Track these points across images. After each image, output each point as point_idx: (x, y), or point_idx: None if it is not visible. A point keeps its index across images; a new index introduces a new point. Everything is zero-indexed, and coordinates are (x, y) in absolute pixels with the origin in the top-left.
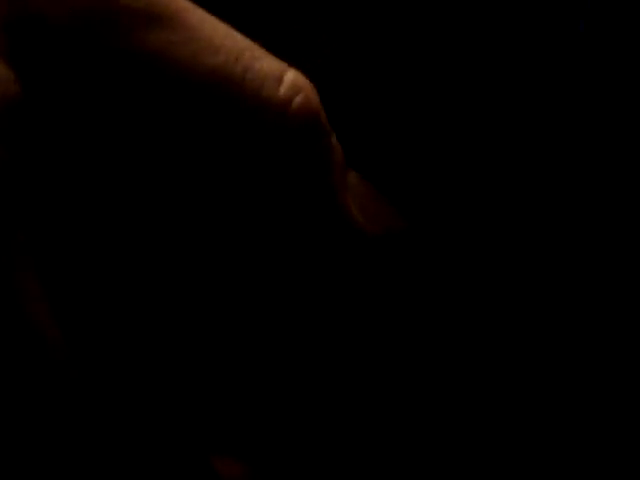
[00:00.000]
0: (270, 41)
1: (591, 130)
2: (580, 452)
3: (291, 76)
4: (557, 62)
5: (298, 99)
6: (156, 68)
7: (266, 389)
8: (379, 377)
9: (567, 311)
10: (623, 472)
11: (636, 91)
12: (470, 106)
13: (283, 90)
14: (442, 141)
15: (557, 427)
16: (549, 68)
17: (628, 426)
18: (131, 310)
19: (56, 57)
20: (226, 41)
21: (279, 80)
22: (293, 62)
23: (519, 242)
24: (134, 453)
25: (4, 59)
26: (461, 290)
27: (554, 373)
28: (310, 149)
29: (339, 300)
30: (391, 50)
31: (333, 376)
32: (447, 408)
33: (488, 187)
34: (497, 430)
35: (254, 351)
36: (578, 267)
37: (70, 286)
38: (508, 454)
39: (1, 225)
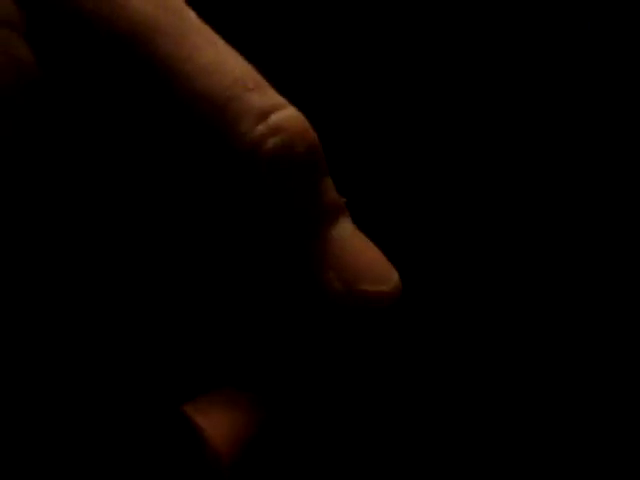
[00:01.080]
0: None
1: (594, 130)
2: (580, 452)
3: (277, 116)
4: (563, 62)
5: (274, 140)
6: (152, 75)
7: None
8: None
9: (567, 311)
10: (623, 472)
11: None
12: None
13: (261, 128)
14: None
15: (557, 427)
16: (555, 68)
17: (628, 426)
18: (126, 307)
19: (69, 40)
20: (223, 65)
21: (261, 117)
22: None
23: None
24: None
25: (24, 39)
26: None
27: (554, 373)
28: (283, 194)
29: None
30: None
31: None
32: (447, 408)
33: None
34: (497, 430)
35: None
36: (578, 267)
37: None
38: (508, 454)
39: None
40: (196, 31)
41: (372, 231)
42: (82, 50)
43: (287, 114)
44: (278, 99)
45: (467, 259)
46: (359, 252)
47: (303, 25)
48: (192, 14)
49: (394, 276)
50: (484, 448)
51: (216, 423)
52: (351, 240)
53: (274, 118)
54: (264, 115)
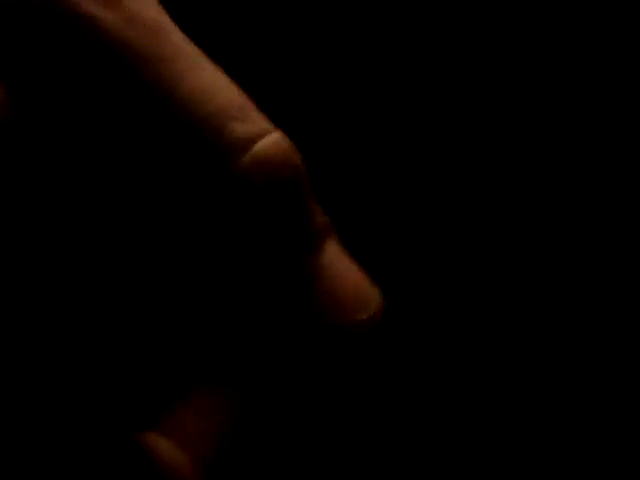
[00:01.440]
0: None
1: (594, 130)
2: (580, 452)
3: (263, 144)
4: (563, 62)
5: (258, 171)
6: (136, 104)
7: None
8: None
9: (567, 311)
10: (623, 472)
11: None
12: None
13: (245, 160)
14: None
15: (557, 427)
16: (555, 68)
17: (628, 426)
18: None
19: (40, 63)
20: (210, 92)
21: (246, 148)
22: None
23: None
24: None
25: None
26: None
27: (554, 373)
28: (269, 222)
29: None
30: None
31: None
32: (447, 408)
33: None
34: (497, 430)
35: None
36: (577, 267)
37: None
38: (508, 454)
39: None
40: (184, 55)
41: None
42: (62, 76)
43: (271, 141)
44: (263, 125)
45: (466, 259)
46: (344, 277)
47: (300, 26)
48: (174, 34)
49: (377, 297)
50: (484, 448)
51: (181, 441)
52: (337, 263)
53: (258, 147)
54: (248, 144)
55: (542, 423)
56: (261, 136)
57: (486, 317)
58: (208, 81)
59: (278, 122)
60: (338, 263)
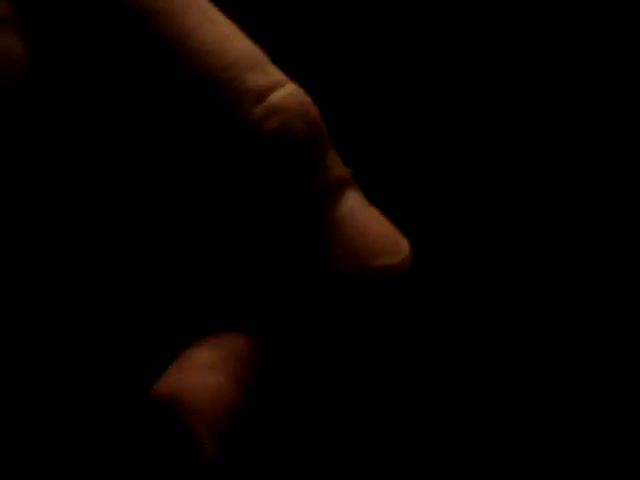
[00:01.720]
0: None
1: (594, 130)
2: (580, 452)
3: (276, 94)
4: (563, 62)
5: (273, 121)
6: (152, 54)
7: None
8: (377, 377)
9: (567, 311)
10: (623, 472)
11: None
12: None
13: (260, 109)
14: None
15: (557, 427)
16: (555, 68)
17: (628, 426)
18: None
19: (61, 22)
20: (223, 45)
21: (260, 97)
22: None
23: (519, 247)
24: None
25: (15, 27)
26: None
27: (554, 373)
28: (283, 172)
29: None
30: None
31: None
32: (447, 408)
33: (488, 192)
34: (497, 430)
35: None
36: (577, 267)
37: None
38: (508, 454)
39: None
40: (196, 8)
41: None
42: (78, 34)
43: (286, 92)
44: (278, 77)
45: (467, 258)
46: (366, 226)
47: (302, 23)
48: None
49: (404, 247)
50: (484, 446)
51: (196, 384)
52: (358, 213)
53: (273, 98)
54: (263, 95)
55: (542, 423)
56: (276, 87)
57: (486, 316)
58: (221, 33)
59: None
60: (361, 212)
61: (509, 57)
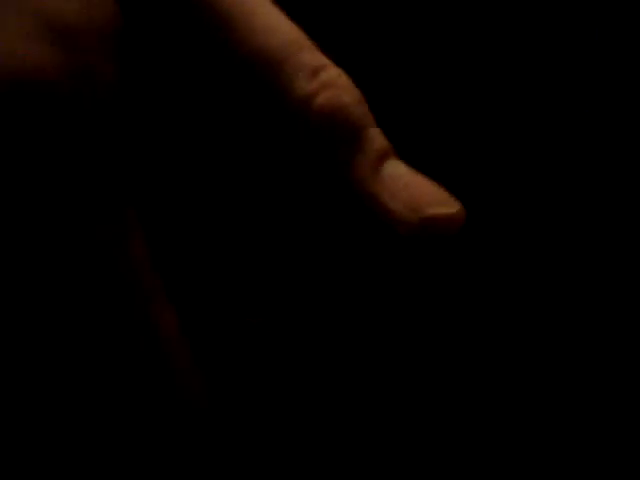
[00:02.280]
0: None
1: (594, 130)
2: (580, 452)
3: (327, 73)
4: (563, 62)
5: (323, 94)
6: (214, 32)
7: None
8: (377, 376)
9: (567, 311)
10: (623, 472)
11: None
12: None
13: (313, 84)
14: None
15: (557, 427)
16: (555, 68)
17: (628, 426)
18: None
19: None
20: (280, 27)
21: (314, 74)
22: None
23: (520, 243)
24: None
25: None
26: (463, 293)
27: (554, 373)
28: (334, 142)
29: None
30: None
31: (330, 376)
32: (447, 408)
33: (488, 189)
34: (497, 430)
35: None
36: (577, 267)
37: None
38: (508, 454)
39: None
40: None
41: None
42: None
43: (336, 72)
44: (326, 60)
45: (468, 258)
46: (420, 184)
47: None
48: None
49: (456, 201)
50: (483, 446)
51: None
52: (409, 176)
53: (324, 75)
54: (316, 72)
55: (542, 423)
56: (327, 67)
57: (486, 316)
58: (275, 18)
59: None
60: (413, 173)
61: (509, 57)
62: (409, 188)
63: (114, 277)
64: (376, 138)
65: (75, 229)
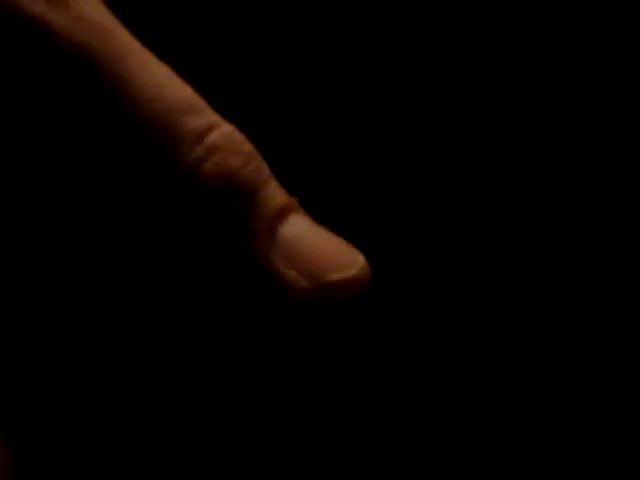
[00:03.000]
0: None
1: (594, 130)
2: (580, 452)
3: (214, 135)
4: (563, 62)
5: (210, 161)
6: (94, 101)
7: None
8: (376, 376)
9: (567, 311)
10: (623, 472)
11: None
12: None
13: (198, 151)
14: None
15: (557, 427)
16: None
17: (628, 426)
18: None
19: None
20: (160, 91)
21: (198, 140)
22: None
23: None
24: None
25: None
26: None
27: (554, 373)
28: (224, 209)
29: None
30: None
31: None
32: (447, 408)
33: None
34: (497, 430)
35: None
36: (577, 267)
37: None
38: (508, 454)
39: None
40: (127, 55)
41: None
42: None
43: (221, 132)
44: (213, 119)
45: (466, 259)
46: (318, 244)
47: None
48: (122, 33)
49: (359, 259)
50: (484, 448)
51: None
52: (308, 235)
53: (209, 139)
54: (200, 137)
55: (542, 423)
56: (213, 128)
57: (486, 316)
58: (159, 78)
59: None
60: (310, 234)
61: (509, 57)
62: (306, 251)
63: None
64: (270, 198)
65: None
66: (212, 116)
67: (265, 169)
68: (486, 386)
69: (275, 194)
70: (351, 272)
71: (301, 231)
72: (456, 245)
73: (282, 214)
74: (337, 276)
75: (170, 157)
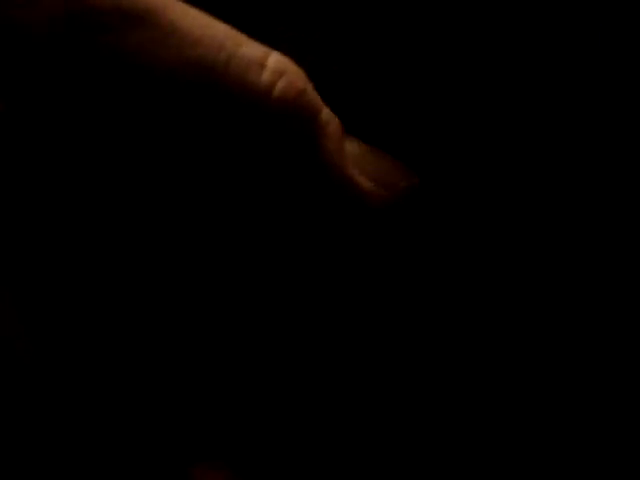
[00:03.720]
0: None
1: (594, 130)
2: (580, 452)
3: (273, 60)
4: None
5: (280, 83)
6: (139, 66)
7: (262, 391)
8: (377, 377)
9: (567, 311)
10: (623, 472)
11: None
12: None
13: (265, 75)
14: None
15: (557, 427)
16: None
17: (628, 426)
18: (131, 309)
19: (40, 67)
20: (207, 31)
21: (262, 65)
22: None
23: (519, 240)
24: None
25: None
26: (460, 285)
27: (554, 373)
28: (297, 131)
29: (341, 286)
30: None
31: (331, 376)
32: (447, 408)
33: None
34: (497, 430)
35: (252, 350)
36: (577, 267)
37: (68, 287)
38: (508, 454)
39: None
40: (170, 5)
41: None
42: (57, 61)
43: (277, 57)
44: (262, 47)
45: (465, 259)
46: (379, 158)
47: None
48: None
49: (410, 170)
50: (484, 448)
51: None
52: (368, 151)
53: (271, 64)
54: (262, 62)
55: (542, 423)
56: (268, 55)
57: (485, 316)
58: (201, 21)
59: None
60: (370, 149)
61: (509, 57)
62: (375, 164)
63: None
64: (333, 117)
65: None
66: (259, 45)
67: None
68: (486, 386)
69: (334, 116)
70: (413, 179)
71: (364, 149)
72: (456, 245)
73: (341, 135)
74: (405, 183)
75: (239, 89)
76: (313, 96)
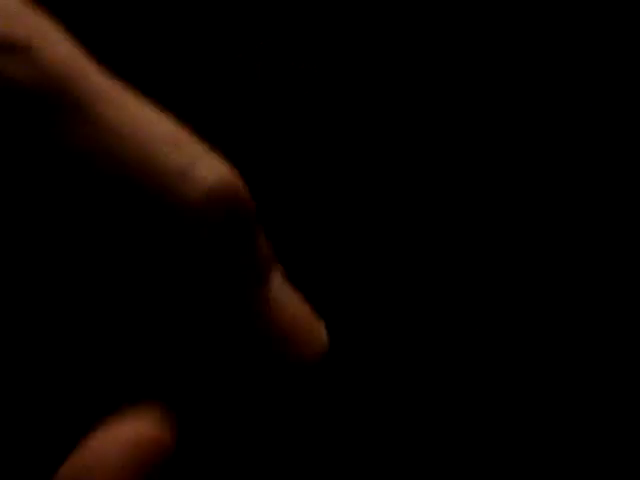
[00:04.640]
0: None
1: (594, 130)
2: (580, 452)
3: (200, 173)
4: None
5: (214, 211)
6: (61, 154)
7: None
8: (377, 376)
9: (567, 311)
10: (623, 472)
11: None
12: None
13: (187, 188)
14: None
15: (557, 427)
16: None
17: (628, 426)
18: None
19: None
20: (138, 133)
21: (184, 177)
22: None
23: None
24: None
25: None
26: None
27: (554, 373)
28: (225, 255)
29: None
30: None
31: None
32: (447, 408)
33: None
34: (497, 430)
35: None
36: (577, 267)
37: None
38: (508, 454)
39: None
40: (96, 97)
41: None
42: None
43: (203, 166)
44: (198, 151)
45: (464, 260)
46: (287, 311)
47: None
48: (90, 75)
49: (321, 334)
50: (484, 448)
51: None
52: (280, 297)
53: (199, 176)
54: (187, 173)
55: (542, 423)
56: (197, 163)
57: (485, 316)
58: (133, 115)
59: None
60: (283, 295)
61: (509, 57)
62: (279, 316)
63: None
64: (264, 244)
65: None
66: (197, 148)
67: (254, 213)
68: (486, 386)
69: (265, 242)
70: (314, 348)
71: (277, 290)
72: (456, 245)
73: (269, 266)
74: (303, 350)
75: (154, 196)
76: (251, 220)
